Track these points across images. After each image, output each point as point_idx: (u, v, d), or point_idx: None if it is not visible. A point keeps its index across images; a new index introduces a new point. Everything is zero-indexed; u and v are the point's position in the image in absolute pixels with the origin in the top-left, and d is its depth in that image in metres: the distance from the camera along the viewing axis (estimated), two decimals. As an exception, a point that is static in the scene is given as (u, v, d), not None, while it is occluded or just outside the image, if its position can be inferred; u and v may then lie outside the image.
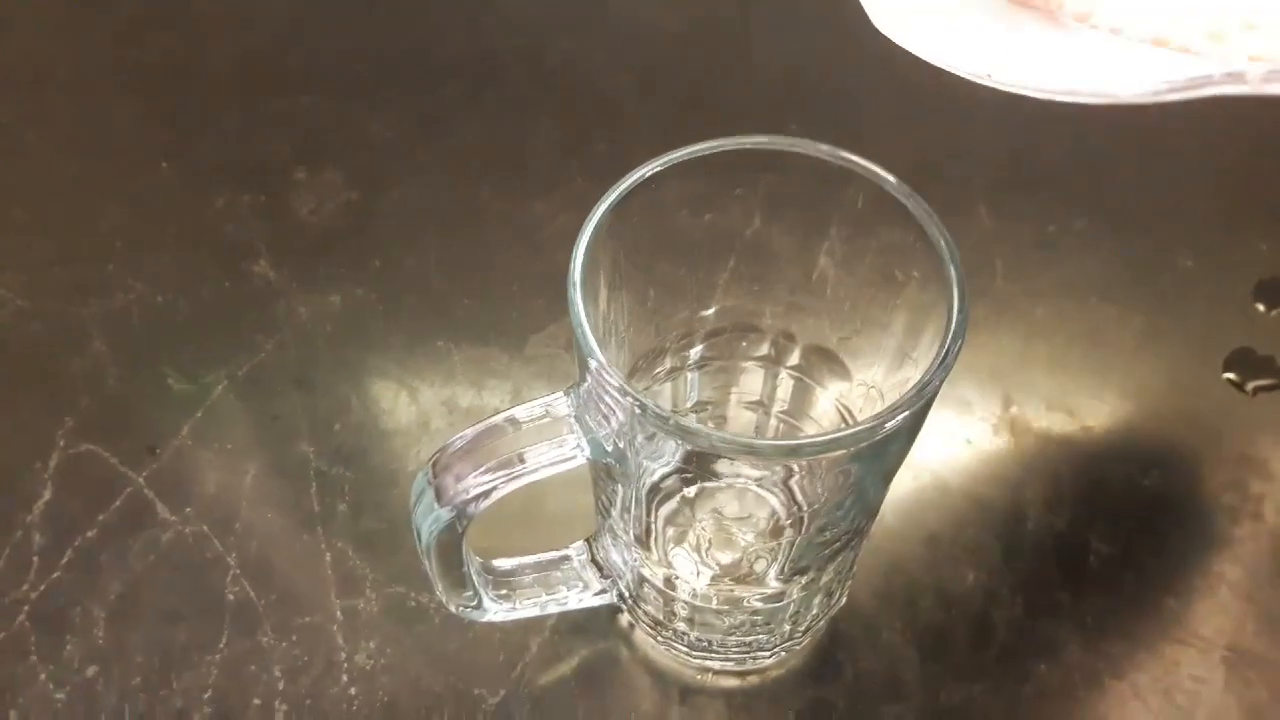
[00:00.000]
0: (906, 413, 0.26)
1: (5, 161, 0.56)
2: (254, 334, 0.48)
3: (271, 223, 0.52)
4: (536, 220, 0.52)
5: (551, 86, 0.59)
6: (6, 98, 0.58)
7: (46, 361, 0.47)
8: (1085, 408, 0.46)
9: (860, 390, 0.35)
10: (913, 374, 0.30)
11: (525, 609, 0.35)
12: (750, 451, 0.26)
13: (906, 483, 0.43)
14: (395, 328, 0.48)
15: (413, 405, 0.46)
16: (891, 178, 0.29)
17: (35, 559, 0.42)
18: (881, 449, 0.28)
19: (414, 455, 0.44)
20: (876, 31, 0.26)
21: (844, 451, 0.26)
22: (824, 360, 0.36)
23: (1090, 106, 0.18)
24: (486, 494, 0.28)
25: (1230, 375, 0.47)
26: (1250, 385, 0.47)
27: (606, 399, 0.27)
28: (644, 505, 0.32)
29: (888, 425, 0.26)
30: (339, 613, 0.40)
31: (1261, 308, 0.49)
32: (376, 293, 0.49)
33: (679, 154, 0.30)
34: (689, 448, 0.26)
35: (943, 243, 0.28)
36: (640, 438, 0.27)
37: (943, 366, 0.26)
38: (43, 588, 0.41)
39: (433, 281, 0.50)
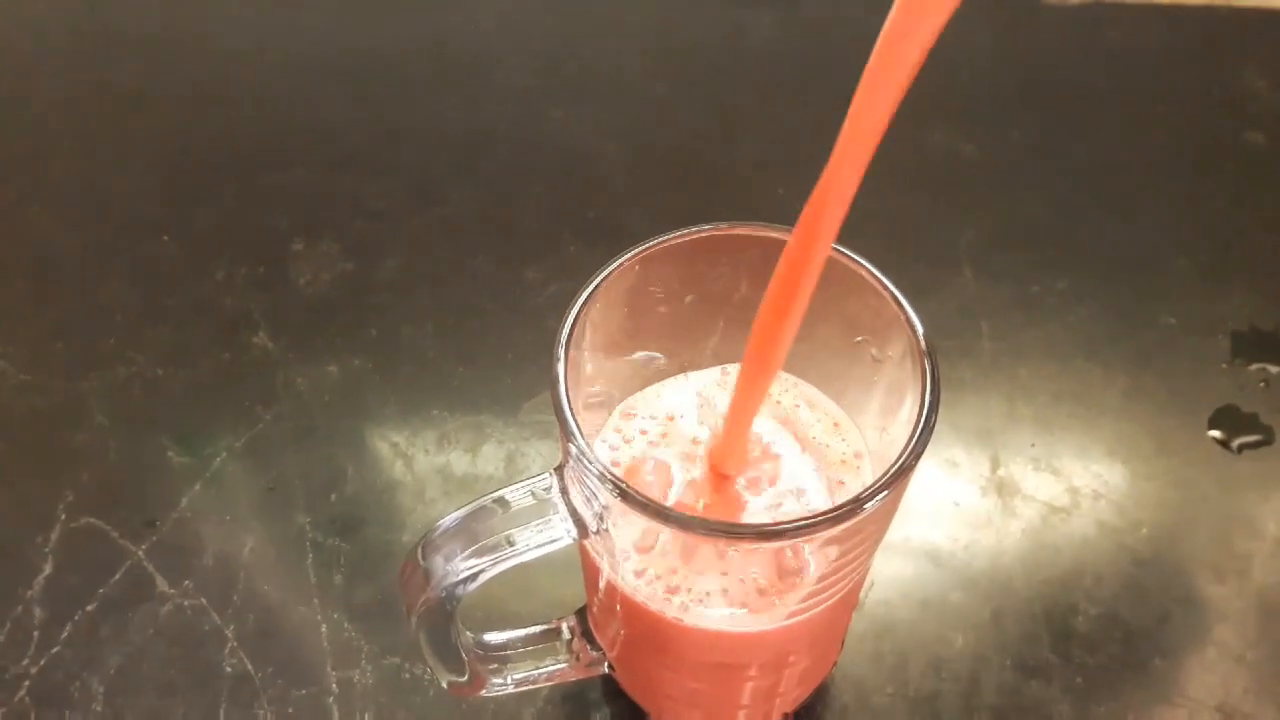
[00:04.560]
0: (885, 493, 0.27)
1: (7, 236, 0.57)
2: (253, 405, 0.49)
3: (270, 294, 0.53)
4: (529, 287, 0.53)
5: (542, 155, 0.60)
6: (8, 174, 0.60)
7: (48, 435, 0.48)
8: (1071, 468, 0.46)
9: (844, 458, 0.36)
10: (896, 439, 0.31)
11: (518, 683, 0.35)
12: (730, 534, 0.26)
13: (895, 546, 0.44)
14: (391, 397, 0.49)
15: (408, 474, 0.46)
16: (867, 263, 0.30)
17: (36, 633, 0.42)
18: (862, 527, 0.28)
19: (409, 525, 0.45)
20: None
21: (825, 533, 0.27)
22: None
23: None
24: (474, 577, 0.28)
25: (1215, 433, 0.48)
26: (1235, 442, 0.47)
27: (589, 482, 0.27)
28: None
29: (866, 506, 0.26)
30: (335, 685, 0.40)
31: (1241, 362, 0.50)
32: (373, 362, 0.50)
33: (661, 241, 0.31)
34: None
35: (918, 325, 0.29)
36: (622, 517, 0.28)
37: (915, 448, 0.27)
38: (43, 662, 0.41)
39: (428, 350, 0.51)
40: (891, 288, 0.29)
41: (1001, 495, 0.45)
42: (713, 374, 0.36)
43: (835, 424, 0.34)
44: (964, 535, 0.44)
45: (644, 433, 0.34)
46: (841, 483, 0.33)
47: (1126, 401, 0.49)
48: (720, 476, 0.32)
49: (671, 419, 0.34)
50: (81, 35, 0.68)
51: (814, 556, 0.30)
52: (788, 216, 0.31)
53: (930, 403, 0.27)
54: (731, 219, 0.32)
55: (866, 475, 0.33)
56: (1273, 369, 0.50)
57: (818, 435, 0.34)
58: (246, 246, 0.55)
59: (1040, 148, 0.60)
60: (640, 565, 0.30)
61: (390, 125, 0.62)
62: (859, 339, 0.32)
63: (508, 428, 0.48)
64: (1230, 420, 0.48)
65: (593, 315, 0.30)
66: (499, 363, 0.50)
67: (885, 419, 0.32)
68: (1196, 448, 0.47)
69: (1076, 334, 0.51)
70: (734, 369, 0.34)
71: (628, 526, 0.29)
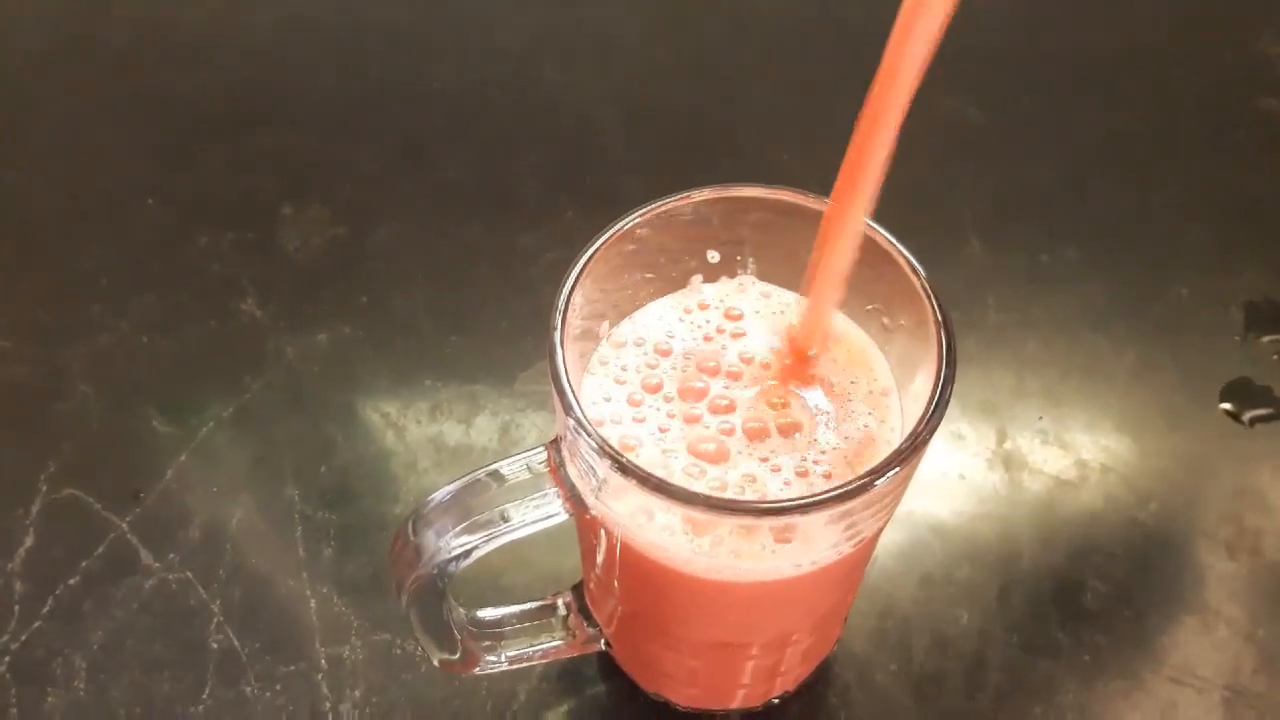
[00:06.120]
0: (896, 469, 0.25)
1: (-11, 199, 0.55)
2: (240, 374, 0.47)
3: (258, 260, 0.51)
4: (524, 255, 0.52)
5: (539, 118, 0.58)
6: (-10, 135, 0.58)
7: (29, 404, 0.47)
8: (1080, 442, 0.45)
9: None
10: (911, 410, 0.29)
11: (512, 661, 0.34)
12: (734, 510, 0.25)
13: (900, 520, 0.43)
14: (383, 366, 0.48)
15: (400, 445, 0.45)
16: (882, 229, 0.28)
17: (16, 608, 0.41)
18: (871, 503, 0.27)
19: (400, 497, 0.44)
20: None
21: (834, 509, 0.26)
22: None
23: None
24: (467, 553, 0.27)
25: (1227, 406, 0.47)
26: (1247, 416, 0.46)
27: (587, 456, 0.26)
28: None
29: (878, 483, 0.25)
30: (324, 661, 0.39)
31: (1254, 334, 0.49)
32: (364, 330, 0.49)
33: (657, 205, 0.29)
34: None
35: (934, 295, 0.27)
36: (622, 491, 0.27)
37: (931, 422, 0.26)
38: (24, 638, 0.40)
39: (421, 319, 0.49)
40: (908, 255, 0.28)
41: (1009, 469, 0.44)
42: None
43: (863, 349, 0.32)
44: (970, 510, 0.43)
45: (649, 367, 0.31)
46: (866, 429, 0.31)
47: (1136, 374, 0.48)
48: (799, 357, 0.31)
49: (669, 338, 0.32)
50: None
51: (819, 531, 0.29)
52: (789, 178, 0.30)
53: (946, 375, 0.26)
54: (734, 182, 0.30)
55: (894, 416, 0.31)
56: (1286, 341, 0.49)
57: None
58: (234, 211, 0.53)
59: (1050, 114, 0.58)
60: (666, 519, 0.28)
61: (383, 87, 0.60)
62: (871, 307, 0.30)
63: (502, 398, 0.47)
64: (1242, 393, 0.47)
65: (588, 280, 0.29)
66: (493, 332, 0.49)
67: (900, 387, 0.31)
68: (1208, 421, 0.46)
69: (1086, 305, 0.50)
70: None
71: (626, 498, 0.28)
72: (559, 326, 0.28)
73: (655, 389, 0.30)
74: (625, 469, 0.25)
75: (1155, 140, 0.57)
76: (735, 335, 0.32)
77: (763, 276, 0.33)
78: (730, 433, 0.29)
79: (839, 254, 0.27)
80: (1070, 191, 0.55)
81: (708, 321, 0.32)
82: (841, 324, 0.32)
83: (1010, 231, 0.52)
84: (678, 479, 0.28)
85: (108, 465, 0.45)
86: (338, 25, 0.64)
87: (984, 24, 0.61)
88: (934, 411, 0.26)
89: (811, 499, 0.25)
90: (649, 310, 0.33)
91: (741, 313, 0.32)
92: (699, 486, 0.28)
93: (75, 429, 0.46)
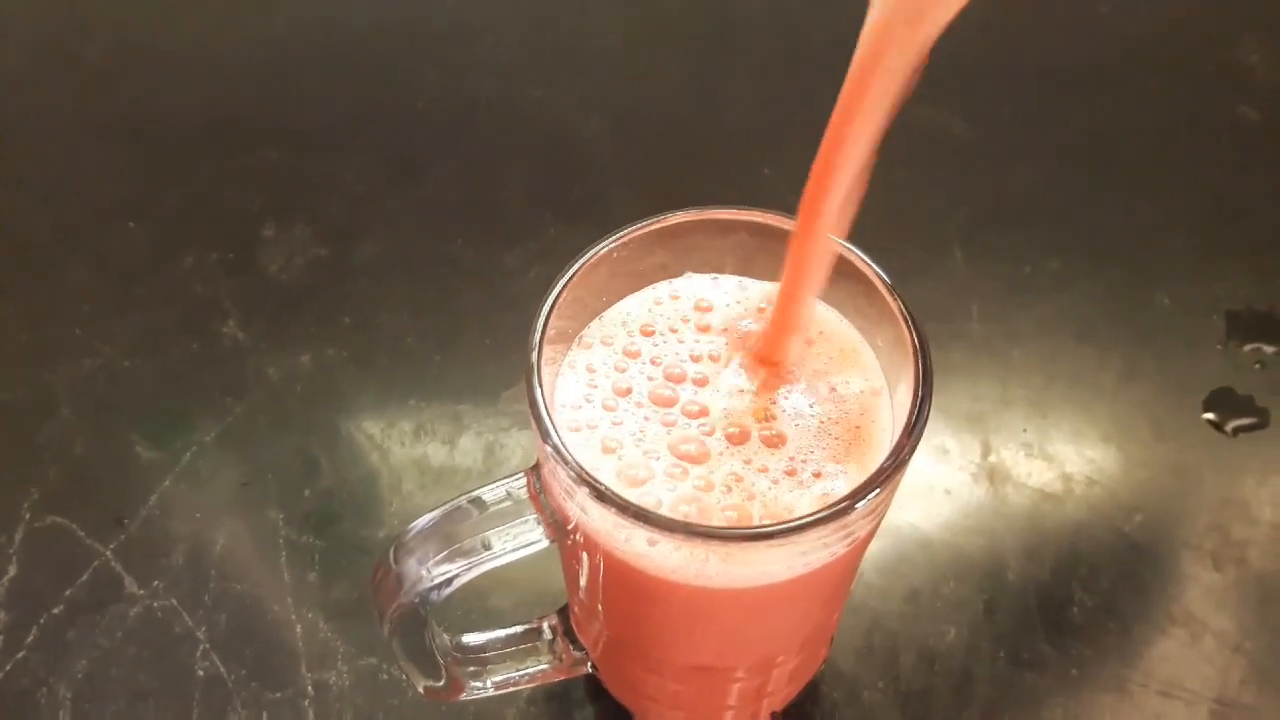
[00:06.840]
0: (876, 491, 0.25)
1: (-31, 224, 0.55)
2: (223, 397, 0.47)
3: (240, 281, 0.51)
4: (509, 272, 0.52)
5: (523, 133, 0.58)
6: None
7: (11, 430, 0.47)
8: (1064, 453, 0.45)
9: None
10: (899, 413, 0.29)
11: (498, 686, 0.34)
12: (715, 537, 0.25)
13: (885, 536, 0.43)
14: (366, 386, 0.48)
15: (384, 466, 0.45)
16: (855, 248, 0.28)
17: (0, 638, 0.41)
18: (853, 525, 0.27)
19: (385, 520, 0.43)
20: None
21: (814, 533, 0.25)
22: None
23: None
24: (449, 582, 0.27)
25: (1210, 415, 0.47)
26: (1230, 425, 0.46)
27: (566, 482, 0.26)
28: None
29: (858, 506, 0.25)
30: (310, 687, 0.39)
31: (1236, 343, 0.49)
32: (347, 351, 0.49)
33: (639, 227, 0.29)
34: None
35: (910, 315, 0.27)
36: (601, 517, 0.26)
37: (911, 441, 0.26)
38: (8, 668, 0.40)
39: (405, 338, 0.49)
40: (882, 274, 0.28)
41: (993, 483, 0.44)
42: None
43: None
44: (955, 524, 0.43)
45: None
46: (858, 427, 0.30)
47: (1121, 384, 0.48)
48: (767, 365, 0.30)
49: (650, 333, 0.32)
50: (43, 10, 0.66)
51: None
52: (772, 193, 0.30)
53: (923, 394, 0.26)
54: (716, 198, 0.30)
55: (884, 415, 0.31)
56: (1268, 349, 0.49)
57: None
58: (216, 231, 0.53)
59: (1032, 124, 0.58)
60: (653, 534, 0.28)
61: (365, 103, 0.60)
62: (852, 324, 0.30)
63: (487, 418, 0.47)
64: (1225, 403, 0.47)
65: (563, 305, 0.29)
66: (478, 350, 0.49)
67: (888, 390, 0.30)
68: (1191, 431, 0.46)
69: (1070, 315, 0.50)
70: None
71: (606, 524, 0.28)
72: (537, 347, 0.28)
73: (626, 392, 0.30)
74: (603, 497, 0.25)
75: (1136, 149, 0.57)
76: (702, 328, 0.31)
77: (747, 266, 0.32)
78: (711, 433, 0.29)
79: (806, 274, 0.27)
80: (1053, 201, 0.55)
81: (677, 313, 0.32)
82: (835, 323, 0.32)
83: (993, 242, 0.53)
84: (660, 480, 0.28)
85: (91, 492, 0.44)
86: (320, 42, 0.64)
87: (964, 34, 0.62)
88: (913, 431, 0.26)
89: (793, 523, 0.25)
90: (619, 307, 0.32)
91: (712, 305, 0.32)
92: (684, 486, 0.28)
93: (58, 455, 0.46)
